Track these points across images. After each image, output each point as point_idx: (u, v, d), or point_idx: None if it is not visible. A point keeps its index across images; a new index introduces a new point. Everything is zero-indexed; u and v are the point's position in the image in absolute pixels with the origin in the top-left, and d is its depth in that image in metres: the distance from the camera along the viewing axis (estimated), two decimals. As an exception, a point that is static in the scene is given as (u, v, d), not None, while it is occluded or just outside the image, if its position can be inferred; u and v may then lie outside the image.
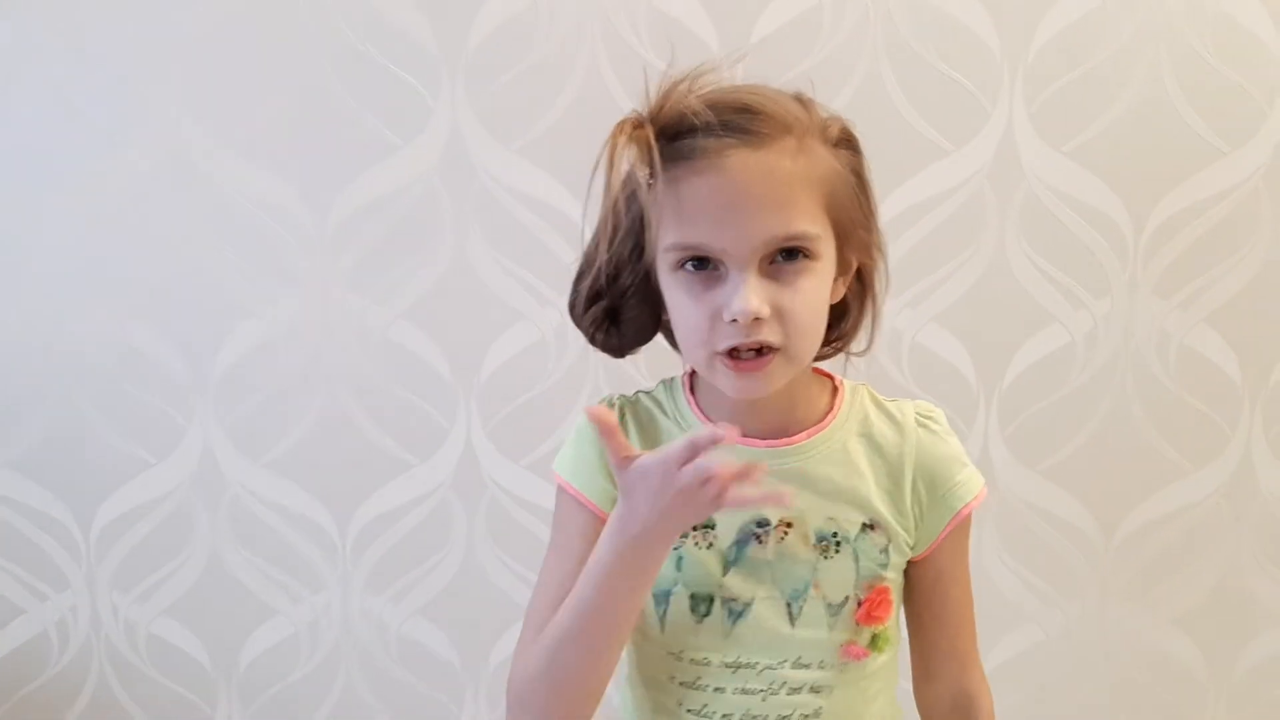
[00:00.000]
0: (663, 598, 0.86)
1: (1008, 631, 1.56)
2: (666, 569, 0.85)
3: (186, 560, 1.52)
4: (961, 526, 0.89)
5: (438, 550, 1.53)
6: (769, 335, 0.78)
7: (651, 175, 0.78)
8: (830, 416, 0.87)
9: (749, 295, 0.77)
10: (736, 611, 0.85)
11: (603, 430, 0.74)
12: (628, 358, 0.90)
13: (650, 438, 0.88)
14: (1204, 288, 1.47)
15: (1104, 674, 1.58)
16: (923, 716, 0.95)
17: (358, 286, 1.46)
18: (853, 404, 0.89)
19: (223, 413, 1.49)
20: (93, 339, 1.47)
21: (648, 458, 0.74)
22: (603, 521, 0.85)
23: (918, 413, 0.90)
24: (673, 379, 0.91)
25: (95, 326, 1.47)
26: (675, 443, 0.73)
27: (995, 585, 1.54)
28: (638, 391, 0.92)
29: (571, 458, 0.89)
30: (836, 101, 1.35)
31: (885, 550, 0.86)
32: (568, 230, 1.41)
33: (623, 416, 0.88)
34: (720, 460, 0.72)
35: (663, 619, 0.87)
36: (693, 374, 0.89)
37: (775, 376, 0.80)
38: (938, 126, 1.42)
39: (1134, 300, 1.47)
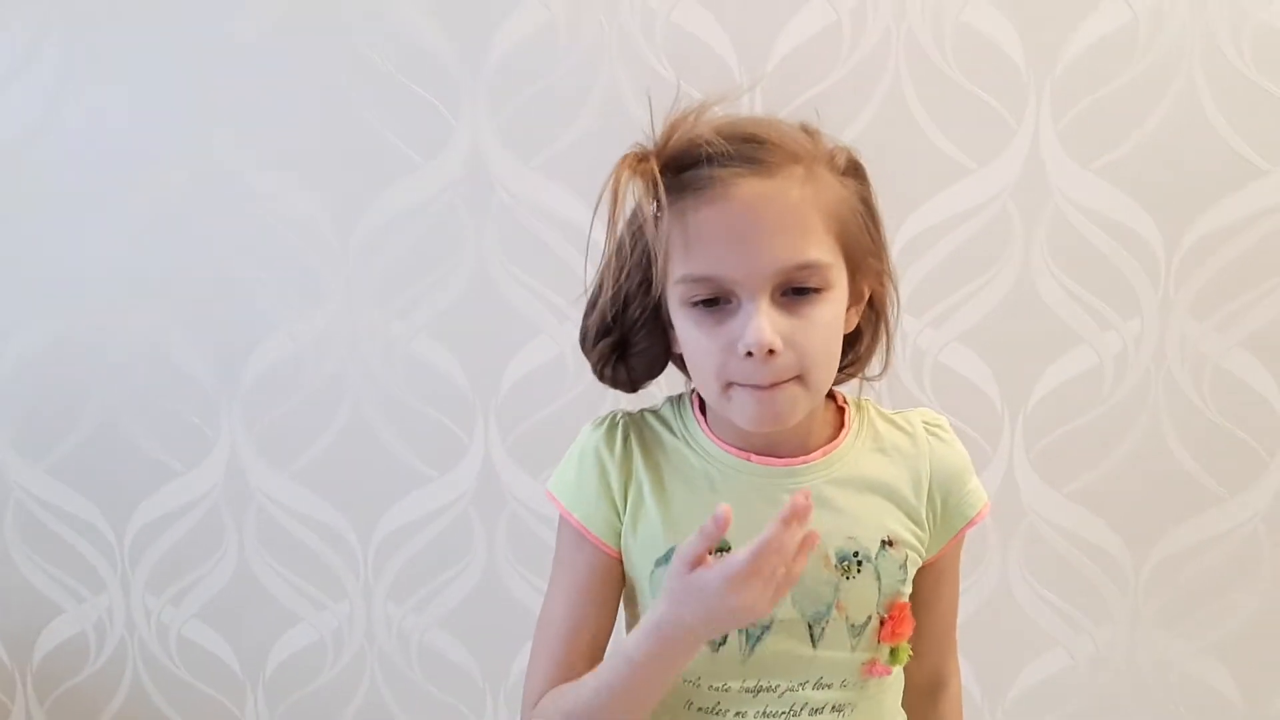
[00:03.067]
0: None
1: (1035, 657, 1.53)
2: None
3: (216, 566, 1.56)
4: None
5: (458, 563, 1.54)
6: (784, 371, 0.76)
7: (658, 209, 0.77)
8: (843, 433, 0.86)
9: (763, 326, 0.75)
10: (754, 635, 0.83)
11: (711, 535, 0.71)
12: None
13: (653, 456, 0.85)
14: (1243, 309, 1.42)
15: (1135, 702, 1.53)
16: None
17: (381, 301, 1.47)
18: (861, 419, 0.88)
19: (250, 423, 1.52)
20: (128, 350, 1.51)
21: (708, 574, 0.71)
22: (607, 555, 0.85)
23: (925, 422, 0.89)
24: (680, 396, 0.90)
25: (130, 338, 1.50)
26: (735, 556, 0.70)
27: (1020, 608, 1.51)
28: (643, 410, 0.90)
29: (572, 483, 0.87)
30: (858, 119, 1.37)
31: (904, 566, 0.85)
32: (586, 247, 1.41)
33: (626, 434, 0.86)
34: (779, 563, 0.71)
35: None
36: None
37: (794, 406, 0.78)
38: (961, 145, 1.39)
39: (1167, 322, 1.43)
